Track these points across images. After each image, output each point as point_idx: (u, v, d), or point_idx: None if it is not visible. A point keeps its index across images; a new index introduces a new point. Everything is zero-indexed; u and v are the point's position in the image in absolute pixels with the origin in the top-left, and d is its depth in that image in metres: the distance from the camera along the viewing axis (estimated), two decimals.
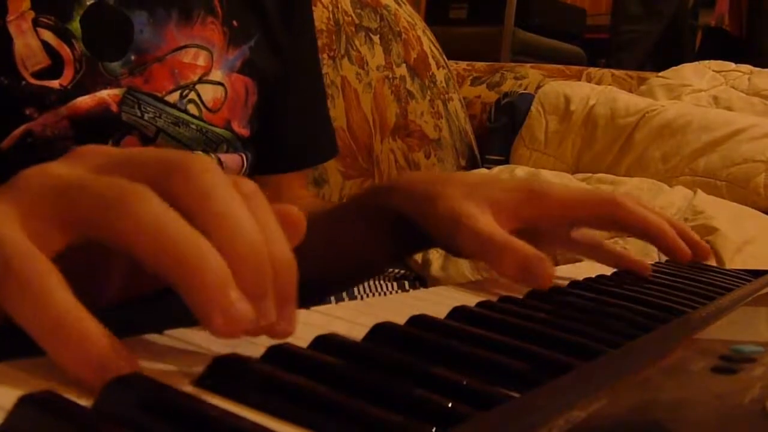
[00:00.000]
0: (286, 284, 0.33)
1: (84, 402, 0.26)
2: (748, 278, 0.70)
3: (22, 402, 0.25)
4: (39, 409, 0.25)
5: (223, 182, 0.33)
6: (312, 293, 0.48)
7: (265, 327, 0.32)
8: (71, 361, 0.28)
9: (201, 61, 0.67)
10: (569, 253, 0.69)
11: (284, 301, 0.33)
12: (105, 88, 0.62)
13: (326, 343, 0.34)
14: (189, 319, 0.32)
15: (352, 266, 0.72)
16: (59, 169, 0.34)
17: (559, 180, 1.50)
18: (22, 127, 0.59)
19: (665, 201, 1.40)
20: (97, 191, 0.31)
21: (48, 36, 0.59)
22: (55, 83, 0.60)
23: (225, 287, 0.30)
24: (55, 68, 0.60)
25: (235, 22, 0.71)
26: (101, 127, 0.62)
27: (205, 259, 0.30)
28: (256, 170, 0.79)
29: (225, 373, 0.29)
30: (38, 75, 0.59)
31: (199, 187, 0.32)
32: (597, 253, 0.66)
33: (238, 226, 0.32)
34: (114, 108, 0.62)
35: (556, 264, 0.74)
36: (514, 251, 0.54)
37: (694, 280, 0.64)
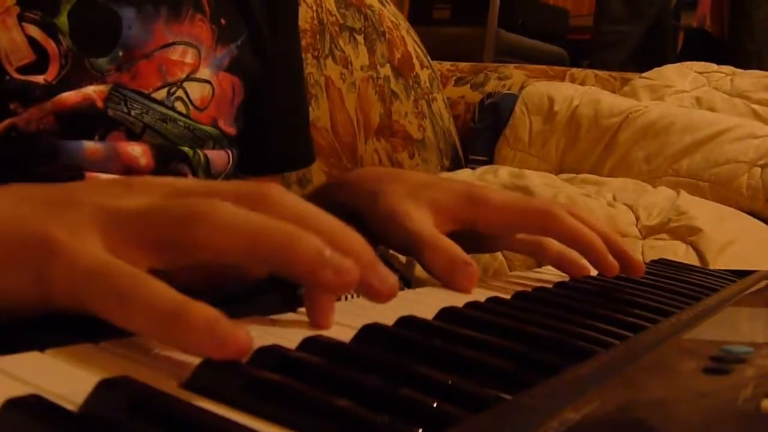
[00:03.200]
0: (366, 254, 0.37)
1: (71, 406, 0.26)
2: (732, 278, 0.70)
3: (7, 406, 0.24)
4: (24, 414, 0.24)
5: (300, 201, 0.38)
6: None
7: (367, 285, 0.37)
8: (198, 343, 0.30)
9: (189, 58, 0.67)
10: (513, 252, 0.72)
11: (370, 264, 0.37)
12: (91, 84, 0.61)
13: (314, 344, 0.34)
14: None
15: None
16: (128, 201, 0.36)
17: (542, 181, 1.50)
18: (6, 122, 0.58)
19: (648, 201, 1.40)
20: (173, 212, 0.35)
21: (33, 31, 0.59)
22: (40, 78, 0.59)
23: (321, 249, 0.33)
24: (40, 63, 0.59)
25: (223, 21, 0.70)
26: (87, 123, 0.61)
27: (295, 235, 0.34)
28: (240, 167, 0.79)
29: (213, 375, 0.29)
30: (23, 70, 0.58)
31: (282, 207, 0.37)
32: (539, 252, 0.68)
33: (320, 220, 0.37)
34: (99, 104, 0.61)
35: (539, 266, 0.75)
36: (441, 251, 0.56)
37: (679, 281, 0.64)
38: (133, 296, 0.31)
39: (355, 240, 0.37)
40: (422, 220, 0.60)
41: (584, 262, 0.64)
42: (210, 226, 0.33)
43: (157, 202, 0.36)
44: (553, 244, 0.66)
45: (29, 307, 0.36)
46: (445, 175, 1.70)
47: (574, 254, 0.64)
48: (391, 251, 0.69)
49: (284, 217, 0.35)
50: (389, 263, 1.38)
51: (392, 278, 0.37)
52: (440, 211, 0.62)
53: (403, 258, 1.37)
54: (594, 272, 0.63)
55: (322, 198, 0.69)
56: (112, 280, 0.32)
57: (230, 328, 0.30)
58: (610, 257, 0.59)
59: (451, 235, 0.60)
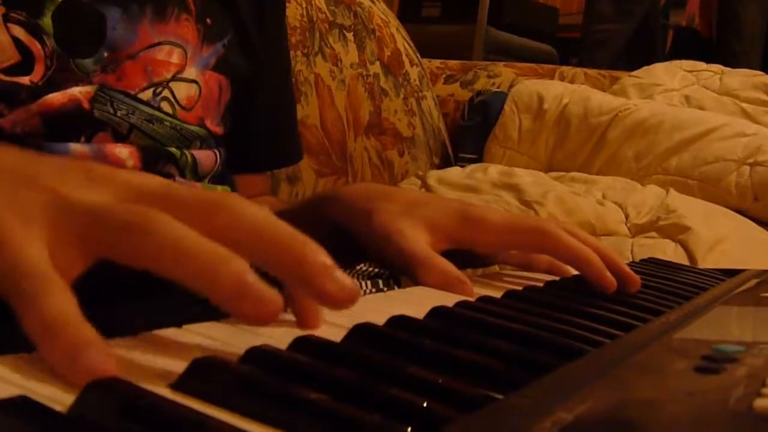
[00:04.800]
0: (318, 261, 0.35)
1: (60, 407, 0.25)
2: (722, 277, 0.70)
3: None
4: (13, 415, 0.24)
5: (258, 213, 0.36)
6: None
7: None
8: (60, 365, 0.28)
9: (175, 58, 0.66)
10: (505, 264, 0.72)
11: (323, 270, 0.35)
12: (77, 85, 0.61)
13: (305, 344, 0.34)
14: (166, 321, 0.32)
15: None
16: (86, 195, 0.36)
17: (532, 179, 1.50)
18: None
19: (638, 200, 1.41)
20: (116, 216, 0.34)
21: (18, 32, 0.58)
22: (25, 80, 0.59)
23: (243, 277, 0.32)
24: (25, 64, 0.59)
25: (208, 20, 0.70)
26: (73, 124, 0.61)
27: (219, 259, 0.32)
28: (229, 166, 0.79)
29: (203, 375, 0.29)
30: (8, 71, 0.58)
31: (238, 219, 0.35)
32: (530, 266, 0.68)
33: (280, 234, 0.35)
34: (86, 105, 0.61)
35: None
36: (435, 269, 0.56)
37: (669, 280, 0.64)
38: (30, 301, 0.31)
39: (309, 248, 0.35)
40: (416, 239, 0.60)
41: (569, 271, 0.65)
42: (142, 238, 0.33)
43: (107, 202, 0.36)
44: (543, 261, 0.67)
45: None
46: (435, 173, 1.69)
47: (563, 266, 0.65)
48: None
49: (237, 229, 0.35)
50: (381, 264, 1.38)
51: (348, 283, 0.35)
52: (435, 230, 0.62)
53: None
54: None
55: (311, 211, 0.69)
56: (22, 282, 0.31)
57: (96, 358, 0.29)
58: (608, 273, 0.58)
59: (444, 251, 0.60)
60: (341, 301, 0.35)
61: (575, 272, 0.63)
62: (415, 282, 0.58)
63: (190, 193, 0.37)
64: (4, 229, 0.33)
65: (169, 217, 0.34)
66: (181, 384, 0.29)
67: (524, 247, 0.64)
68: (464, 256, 0.63)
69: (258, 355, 0.31)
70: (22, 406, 0.25)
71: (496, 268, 0.76)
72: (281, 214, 0.36)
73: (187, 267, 0.32)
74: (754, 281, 0.66)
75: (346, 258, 0.77)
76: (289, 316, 0.41)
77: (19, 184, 0.36)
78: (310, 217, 0.67)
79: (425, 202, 0.65)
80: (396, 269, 0.64)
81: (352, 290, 0.35)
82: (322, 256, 0.35)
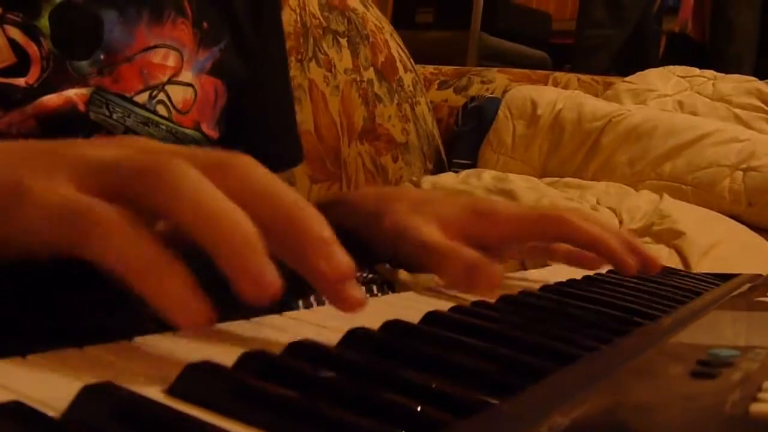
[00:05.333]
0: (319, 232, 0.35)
1: (53, 412, 0.25)
2: (716, 282, 0.70)
3: None
4: (6, 420, 0.24)
5: (267, 175, 0.36)
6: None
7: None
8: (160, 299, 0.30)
9: (171, 61, 0.66)
10: (519, 258, 0.70)
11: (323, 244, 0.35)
12: (72, 87, 0.61)
13: (300, 349, 0.34)
14: (160, 326, 0.31)
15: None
16: (98, 151, 0.36)
17: (526, 184, 1.50)
18: None
19: (632, 205, 1.41)
20: (134, 164, 0.34)
21: (15, 33, 0.58)
22: (21, 81, 0.58)
23: (255, 254, 0.32)
24: (21, 66, 0.59)
25: (205, 24, 0.70)
26: (68, 126, 0.61)
27: (235, 224, 0.33)
28: None
29: (197, 380, 0.29)
30: (3, 72, 0.58)
31: (248, 178, 0.36)
32: (548, 255, 0.68)
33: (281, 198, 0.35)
34: (81, 107, 0.61)
35: (524, 269, 0.75)
36: (459, 256, 0.54)
37: (663, 284, 0.64)
38: (116, 234, 0.32)
39: (313, 218, 0.35)
40: (433, 232, 0.59)
41: (594, 255, 0.64)
42: (161, 181, 0.33)
43: (126, 152, 0.36)
44: (561, 245, 0.66)
45: None
46: (429, 179, 1.69)
47: (583, 251, 0.64)
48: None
49: (246, 190, 0.35)
50: (375, 270, 1.38)
51: (345, 261, 0.35)
52: (448, 226, 0.61)
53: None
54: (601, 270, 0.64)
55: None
56: (93, 217, 0.32)
57: (197, 300, 0.31)
58: (628, 257, 0.58)
59: None
60: (331, 281, 0.35)
61: (593, 260, 0.62)
62: (438, 274, 0.56)
63: (201, 152, 0.37)
64: (22, 182, 0.34)
65: (190, 167, 0.34)
66: (175, 389, 0.29)
67: (539, 236, 0.63)
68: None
69: (252, 359, 0.31)
70: (16, 411, 0.25)
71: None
72: None
73: (200, 218, 0.33)
74: (747, 286, 0.66)
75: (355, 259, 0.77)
76: (282, 321, 0.41)
77: (33, 154, 0.37)
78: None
79: (433, 199, 0.64)
80: (412, 267, 0.63)
81: (345, 271, 0.35)
82: (322, 229, 0.35)
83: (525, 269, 0.74)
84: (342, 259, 0.35)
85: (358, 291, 0.36)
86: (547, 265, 0.79)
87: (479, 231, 0.61)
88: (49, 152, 0.36)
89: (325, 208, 0.69)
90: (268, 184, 0.36)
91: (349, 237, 0.63)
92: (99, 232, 0.32)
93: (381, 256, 0.64)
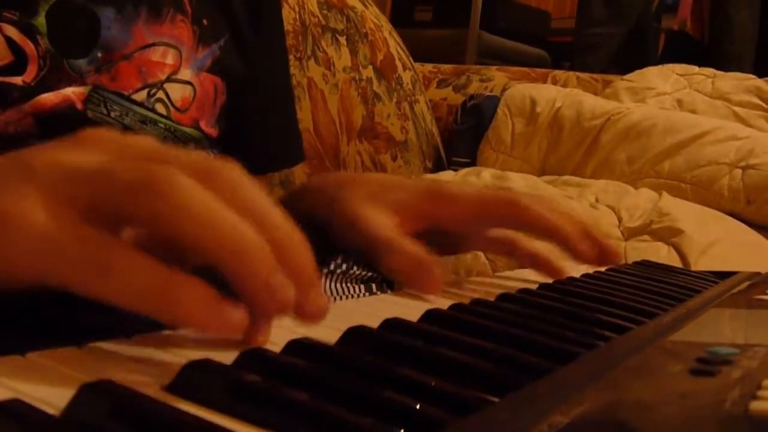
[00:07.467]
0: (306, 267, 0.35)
1: (52, 410, 0.25)
2: (715, 280, 0.70)
3: None
4: (5, 418, 0.24)
5: (256, 193, 0.35)
6: None
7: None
8: (183, 315, 0.30)
9: (169, 59, 0.66)
10: (487, 252, 0.69)
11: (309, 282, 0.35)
12: (70, 86, 0.60)
13: (299, 347, 0.34)
14: (159, 324, 0.31)
15: None
16: (75, 156, 0.34)
17: (525, 182, 1.50)
18: None
19: (631, 203, 1.41)
20: (126, 175, 0.32)
21: (11, 32, 0.58)
22: (18, 80, 0.58)
23: (272, 271, 0.32)
24: (18, 64, 0.58)
25: (204, 21, 0.70)
26: (66, 125, 0.61)
27: (250, 243, 0.32)
28: None
29: (196, 378, 0.29)
30: (0, 71, 0.58)
31: (238, 195, 0.34)
32: (513, 252, 0.66)
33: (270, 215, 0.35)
34: (79, 105, 0.61)
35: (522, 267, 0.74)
36: (401, 252, 0.54)
37: (662, 282, 0.64)
38: (114, 267, 0.30)
39: (300, 249, 0.35)
40: (381, 223, 0.58)
41: (562, 264, 0.63)
42: (164, 199, 0.32)
43: (110, 161, 0.34)
44: (527, 243, 0.64)
45: None
46: (428, 177, 1.70)
47: (551, 255, 0.63)
48: None
49: (234, 203, 0.33)
50: (374, 269, 1.38)
51: (323, 300, 0.35)
52: (402, 211, 0.60)
53: None
54: (576, 273, 0.63)
55: (287, 208, 0.68)
56: (87, 249, 0.31)
57: (223, 304, 0.30)
58: (585, 244, 0.57)
59: (419, 237, 0.58)
60: (307, 316, 0.35)
61: (561, 265, 0.62)
62: (382, 268, 0.56)
63: (186, 157, 0.35)
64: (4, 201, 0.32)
65: (186, 177, 0.32)
66: (174, 386, 0.29)
67: (494, 219, 0.62)
68: (440, 243, 0.61)
69: (252, 357, 0.31)
70: (15, 409, 0.25)
71: (483, 258, 0.74)
72: None
73: (213, 240, 0.32)
74: (746, 283, 0.66)
75: (317, 251, 0.76)
76: (277, 321, 0.41)
77: (4, 167, 0.35)
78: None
79: (392, 184, 0.63)
80: (364, 258, 0.62)
81: (321, 311, 0.35)
82: (307, 264, 0.35)
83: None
84: (321, 300, 0.35)
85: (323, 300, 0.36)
86: None
87: (436, 214, 0.61)
88: (20, 162, 0.34)
89: (295, 197, 0.68)
90: (256, 200, 0.35)
91: (312, 227, 0.63)
92: (106, 270, 0.30)
93: (338, 244, 0.63)
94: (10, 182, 0.33)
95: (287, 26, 1.41)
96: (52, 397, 0.26)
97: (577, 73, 2.22)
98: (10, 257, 0.32)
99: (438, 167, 1.87)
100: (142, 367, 0.31)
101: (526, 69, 2.23)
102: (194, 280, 0.30)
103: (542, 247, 0.63)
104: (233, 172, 0.35)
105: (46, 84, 0.60)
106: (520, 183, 1.48)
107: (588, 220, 1.32)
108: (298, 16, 1.46)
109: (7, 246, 0.32)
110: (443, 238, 0.63)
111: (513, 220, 0.60)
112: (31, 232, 0.32)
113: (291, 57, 1.41)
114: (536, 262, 0.64)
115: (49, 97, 0.59)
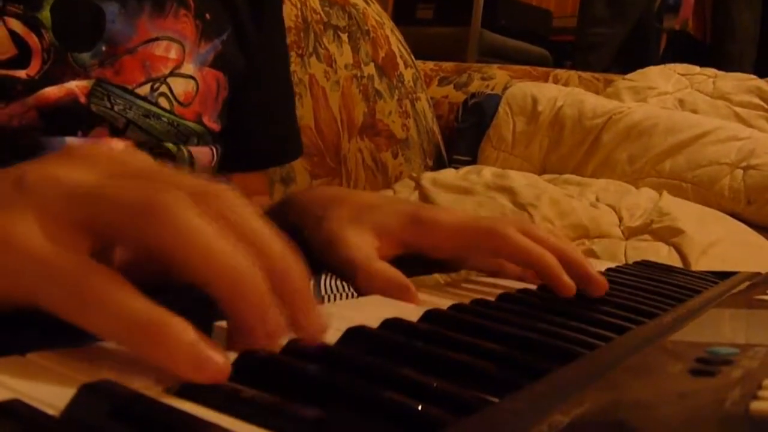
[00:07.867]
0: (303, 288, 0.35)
1: (52, 411, 0.25)
2: (715, 280, 0.70)
3: None
4: (5, 419, 0.24)
5: (252, 216, 0.35)
6: None
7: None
8: (167, 359, 0.29)
9: (173, 54, 0.66)
10: (475, 270, 0.68)
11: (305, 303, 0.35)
12: (74, 79, 0.61)
13: (298, 347, 0.34)
14: None
15: None
16: (71, 173, 0.34)
17: (526, 181, 1.50)
18: None
19: (631, 202, 1.41)
20: (125, 197, 0.32)
21: (16, 25, 0.58)
22: (21, 73, 0.58)
23: (266, 303, 0.32)
24: (22, 58, 0.59)
25: (207, 16, 0.70)
26: (70, 118, 0.61)
27: (247, 275, 0.31)
28: (225, 164, 0.78)
29: None
30: (4, 64, 0.58)
31: (236, 219, 0.34)
32: (500, 270, 0.65)
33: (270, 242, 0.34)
34: (82, 99, 0.61)
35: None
36: (375, 276, 0.54)
37: (663, 282, 0.64)
38: (101, 301, 0.29)
39: (298, 276, 0.35)
40: (360, 246, 0.57)
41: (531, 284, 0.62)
42: (162, 225, 0.31)
43: (106, 180, 0.34)
44: (513, 267, 0.64)
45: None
46: (429, 175, 1.69)
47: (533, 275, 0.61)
48: None
49: (232, 228, 0.33)
50: None
51: (322, 321, 0.35)
52: (385, 235, 0.59)
53: None
54: None
55: (277, 216, 0.67)
56: (75, 277, 0.30)
57: (209, 351, 0.29)
58: (565, 276, 0.55)
59: (403, 257, 0.58)
60: (309, 334, 0.35)
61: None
62: (358, 291, 0.55)
63: (183, 179, 0.35)
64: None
65: (188, 200, 0.32)
66: (174, 387, 0.28)
67: (476, 249, 0.61)
68: (426, 261, 0.61)
69: (251, 358, 0.31)
70: (15, 409, 0.25)
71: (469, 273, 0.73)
72: None
73: (211, 267, 0.31)
74: (746, 284, 0.66)
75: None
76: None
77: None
78: (276, 222, 0.66)
79: (377, 205, 0.62)
80: (342, 278, 0.61)
81: (322, 326, 0.35)
82: (305, 291, 0.35)
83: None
84: (320, 320, 0.35)
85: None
86: None
87: (416, 240, 0.60)
88: (17, 180, 0.33)
89: (284, 207, 0.68)
90: (253, 225, 0.34)
91: (300, 242, 0.62)
92: (89, 303, 0.30)
93: (320, 263, 0.62)
94: (4, 198, 0.33)
95: (289, 23, 1.41)
96: (51, 397, 0.26)
97: (579, 72, 2.22)
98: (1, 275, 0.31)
99: (439, 165, 1.87)
100: (142, 368, 0.31)
101: (527, 67, 2.23)
102: (182, 324, 0.29)
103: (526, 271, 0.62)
104: (230, 195, 0.35)
105: (49, 77, 0.60)
106: (521, 181, 1.48)
107: (588, 219, 1.33)
108: (300, 13, 1.46)
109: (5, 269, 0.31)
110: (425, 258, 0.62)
111: (494, 251, 0.60)
112: (23, 252, 0.31)
113: (293, 54, 1.41)
114: (524, 278, 0.63)
115: (52, 91, 0.60)
